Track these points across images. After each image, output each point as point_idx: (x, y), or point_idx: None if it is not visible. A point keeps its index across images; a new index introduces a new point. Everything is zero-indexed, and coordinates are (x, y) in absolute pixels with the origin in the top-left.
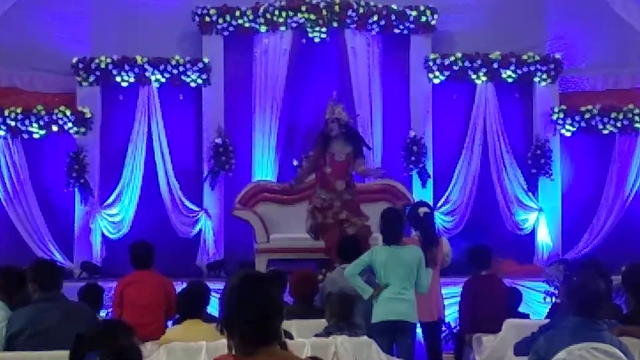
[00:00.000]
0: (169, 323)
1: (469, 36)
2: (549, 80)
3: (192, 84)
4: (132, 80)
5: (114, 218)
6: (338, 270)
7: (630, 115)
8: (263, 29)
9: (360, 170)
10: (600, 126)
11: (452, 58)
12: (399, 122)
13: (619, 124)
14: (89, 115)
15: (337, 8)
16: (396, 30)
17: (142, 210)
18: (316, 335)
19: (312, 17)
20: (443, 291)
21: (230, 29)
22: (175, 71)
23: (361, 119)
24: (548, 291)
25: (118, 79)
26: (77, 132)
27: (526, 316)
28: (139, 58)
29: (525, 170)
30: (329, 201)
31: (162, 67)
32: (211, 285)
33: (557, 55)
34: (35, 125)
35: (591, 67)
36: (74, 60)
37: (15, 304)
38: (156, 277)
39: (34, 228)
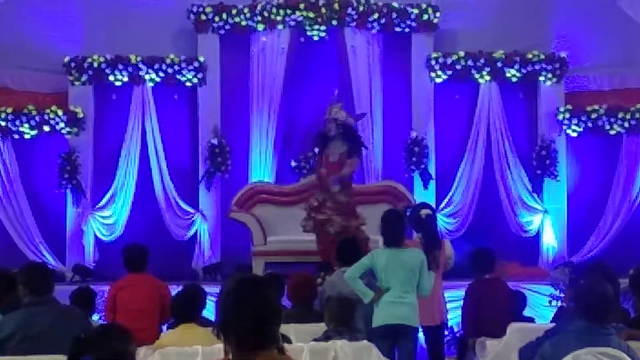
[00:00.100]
0: (164, 328)
1: (472, 34)
2: (554, 80)
3: (188, 84)
4: (125, 79)
5: (107, 220)
6: (337, 274)
7: (637, 115)
8: (260, 27)
9: (343, 172)
10: (607, 126)
11: (455, 57)
12: (400, 123)
13: (626, 124)
14: (81, 115)
15: (336, 6)
16: (397, 29)
17: (136, 212)
18: (315, 340)
19: (311, 15)
20: (446, 295)
21: (227, 27)
22: (170, 70)
23: (362, 120)
24: (553, 295)
25: (111, 78)
26: (69, 133)
27: (531, 320)
28: (132, 57)
29: (529, 171)
30: (322, 202)
31: (156, 66)
32: (207, 289)
33: (563, 54)
34: (26, 125)
35: (597, 66)
36: (66, 59)
37: (5, 308)
38: (150, 281)
39: (25, 230)
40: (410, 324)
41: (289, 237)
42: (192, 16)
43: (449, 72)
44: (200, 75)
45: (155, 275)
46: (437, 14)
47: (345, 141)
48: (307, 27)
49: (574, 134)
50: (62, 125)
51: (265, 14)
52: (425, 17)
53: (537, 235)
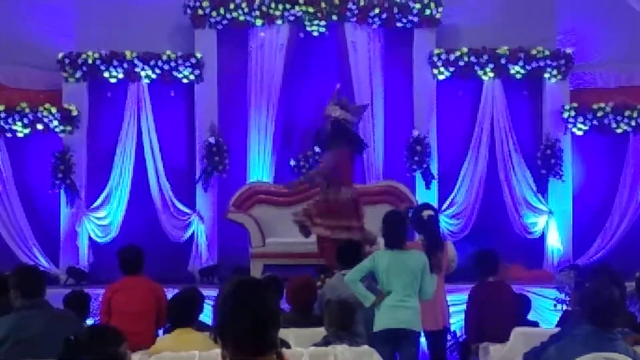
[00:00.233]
0: (160, 332)
1: (475, 30)
2: (559, 77)
3: (184, 80)
4: (120, 76)
5: (102, 221)
6: (338, 276)
7: None
8: (258, 22)
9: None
10: (614, 125)
11: (458, 53)
12: (402, 121)
13: (633, 123)
14: (75, 113)
15: (336, 0)
16: (399, 24)
17: (131, 213)
18: (314, 345)
19: (310, 9)
20: (448, 298)
21: (224, 22)
22: (166, 67)
23: (362, 118)
24: (558, 298)
25: (106, 74)
26: (63, 131)
27: (535, 324)
28: (128, 53)
29: (534, 171)
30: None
31: (152, 63)
32: (204, 292)
33: (568, 50)
34: (19, 123)
35: (604, 63)
36: (60, 55)
37: None
38: (146, 283)
39: (18, 231)
40: (412, 328)
41: (288, 239)
42: (188, 11)
43: (452, 69)
44: (197, 72)
45: (151, 277)
46: (440, 9)
47: (339, 139)
48: (307, 22)
49: (580, 133)
50: (55, 123)
51: (264, 8)
52: (428, 12)
53: (542, 237)
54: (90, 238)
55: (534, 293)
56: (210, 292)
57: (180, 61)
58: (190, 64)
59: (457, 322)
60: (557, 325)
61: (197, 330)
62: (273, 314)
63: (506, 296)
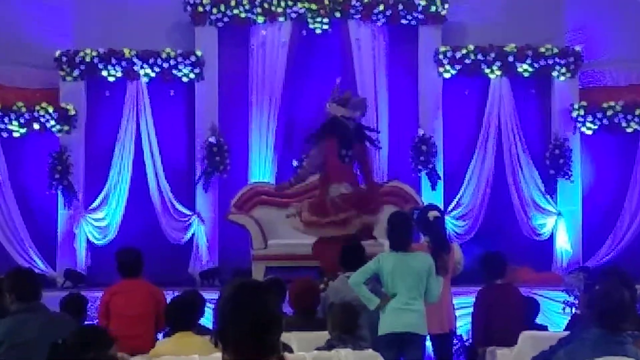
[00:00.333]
0: (159, 336)
1: (482, 27)
2: (568, 75)
3: (184, 79)
4: (119, 74)
5: (100, 223)
6: (341, 279)
7: None
8: (260, 19)
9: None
10: (624, 124)
11: (464, 51)
12: (407, 120)
13: None
14: (73, 112)
15: None
16: (403, 21)
17: (130, 214)
18: (318, 349)
19: (313, 6)
20: (454, 301)
21: (225, 19)
22: (165, 65)
23: (365, 116)
24: (567, 301)
25: (104, 73)
26: (60, 131)
27: (544, 328)
28: (126, 51)
29: (542, 172)
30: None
31: (151, 61)
32: (204, 295)
33: (577, 48)
34: (15, 123)
35: (613, 61)
36: (57, 53)
37: None
38: (145, 286)
39: (14, 233)
40: (418, 332)
41: (290, 241)
42: (189, 8)
43: (458, 67)
44: (197, 70)
45: (150, 280)
46: (445, 6)
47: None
48: (310, 20)
49: (589, 132)
50: (52, 122)
51: (266, 5)
52: (433, 8)
53: (551, 239)
54: (88, 240)
55: (543, 296)
56: (210, 295)
57: (180, 59)
58: (190, 62)
59: (463, 325)
60: (566, 329)
61: (197, 333)
62: (274, 317)
63: (514, 299)
